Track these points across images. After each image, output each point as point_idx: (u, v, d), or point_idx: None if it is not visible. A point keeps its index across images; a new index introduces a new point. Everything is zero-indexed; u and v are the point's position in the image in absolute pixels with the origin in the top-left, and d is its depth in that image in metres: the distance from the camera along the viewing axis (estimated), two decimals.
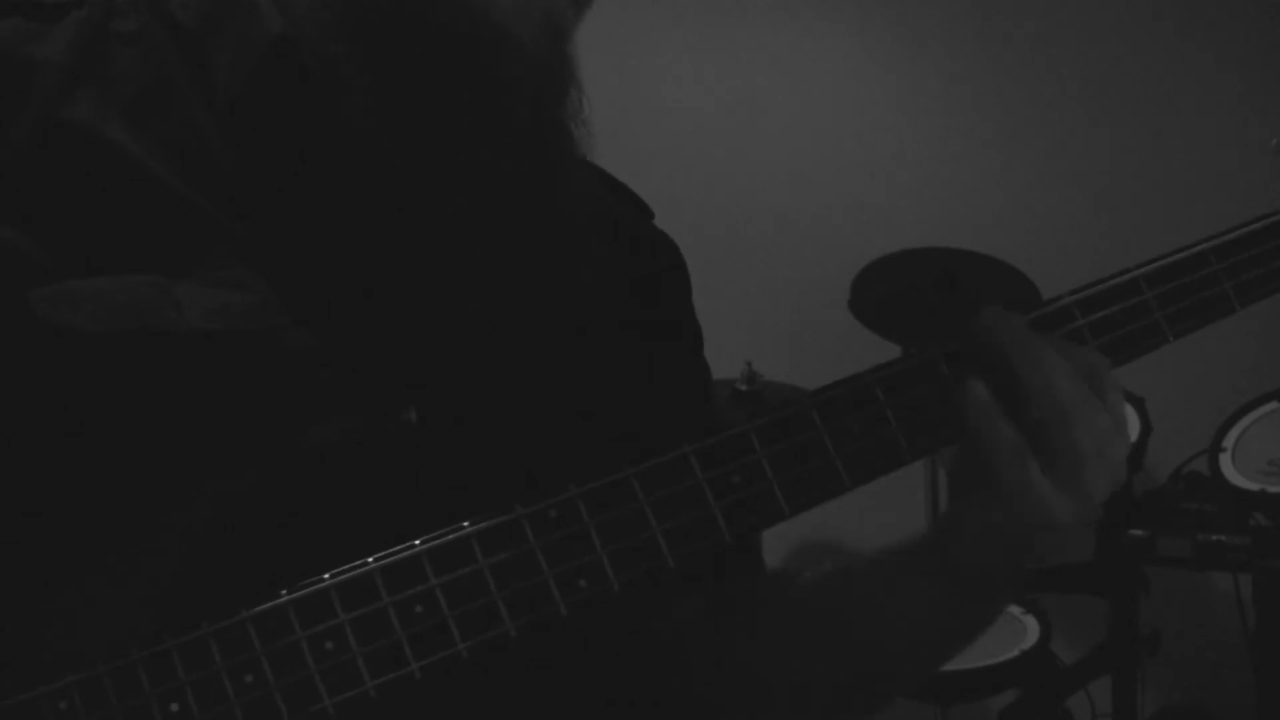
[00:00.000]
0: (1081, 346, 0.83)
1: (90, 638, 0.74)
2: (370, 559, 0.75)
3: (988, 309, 0.82)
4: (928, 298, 2.91)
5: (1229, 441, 2.64)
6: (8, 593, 0.76)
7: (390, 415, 0.82)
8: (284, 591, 0.74)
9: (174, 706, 0.72)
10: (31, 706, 0.71)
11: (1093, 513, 0.82)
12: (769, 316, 3.30)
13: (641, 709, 0.90)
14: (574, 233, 0.91)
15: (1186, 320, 0.87)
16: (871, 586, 0.89)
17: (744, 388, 2.82)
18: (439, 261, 0.85)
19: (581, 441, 0.87)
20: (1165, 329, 0.87)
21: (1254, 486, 2.53)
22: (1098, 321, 0.86)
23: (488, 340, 0.87)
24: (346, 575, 0.75)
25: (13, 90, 0.80)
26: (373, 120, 0.82)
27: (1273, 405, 2.67)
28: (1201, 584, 3.17)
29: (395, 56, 0.81)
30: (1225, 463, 2.61)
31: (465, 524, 0.77)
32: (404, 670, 0.75)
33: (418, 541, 0.76)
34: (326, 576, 0.75)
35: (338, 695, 0.74)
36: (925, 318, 2.91)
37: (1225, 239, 0.88)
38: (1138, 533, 2.62)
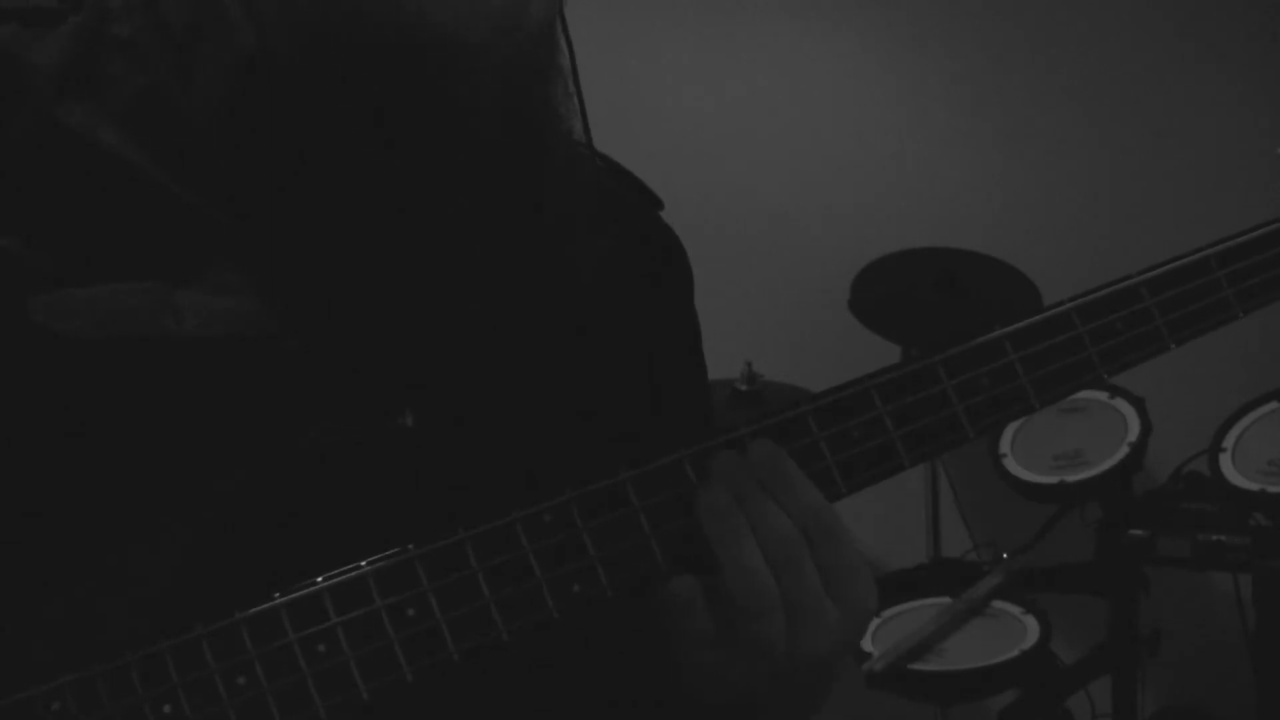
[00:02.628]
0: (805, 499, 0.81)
1: (87, 639, 0.74)
2: (364, 562, 0.75)
3: (721, 456, 0.81)
4: (928, 298, 2.91)
5: (1229, 441, 2.63)
6: (5, 593, 0.76)
7: (388, 418, 0.82)
8: (277, 594, 0.74)
9: (167, 708, 0.72)
10: (25, 707, 0.72)
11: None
12: (769, 316, 3.30)
13: (644, 709, 0.90)
14: (573, 231, 0.91)
15: (1188, 327, 0.86)
16: None
17: (744, 388, 2.82)
18: (438, 262, 0.85)
19: (581, 442, 0.87)
20: (1166, 336, 0.86)
21: (1254, 486, 2.53)
22: (1097, 329, 0.85)
23: (487, 340, 0.87)
24: (339, 578, 0.75)
25: (9, 94, 0.81)
26: (351, 126, 0.82)
27: (1273, 405, 2.67)
28: (1201, 584, 3.17)
29: (349, 67, 0.80)
30: (1225, 463, 2.60)
31: (459, 529, 0.77)
32: (396, 674, 0.75)
33: (410, 545, 0.76)
34: (320, 579, 0.75)
35: (330, 698, 0.74)
36: (925, 318, 2.91)
37: (1228, 245, 0.88)
38: (1138, 533, 2.62)
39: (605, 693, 0.90)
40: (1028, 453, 2.77)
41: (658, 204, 1.03)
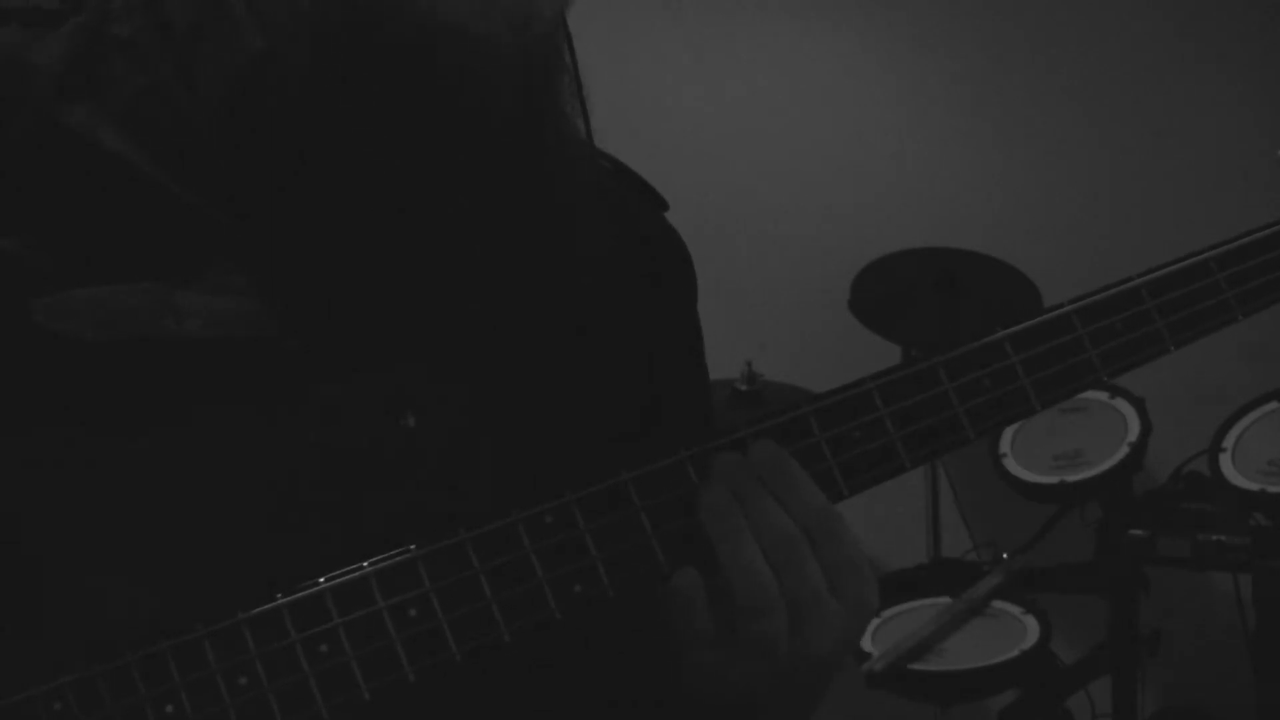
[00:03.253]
0: (805, 498, 0.81)
1: (87, 639, 0.73)
2: (366, 563, 0.75)
3: (723, 458, 0.81)
4: (928, 298, 2.91)
5: (1229, 441, 2.64)
6: (5, 593, 0.76)
7: (389, 418, 0.82)
8: (279, 595, 0.74)
9: (169, 708, 0.72)
10: (26, 707, 0.72)
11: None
12: (769, 316, 3.30)
13: (644, 709, 0.91)
14: (574, 232, 0.91)
15: (1189, 329, 0.87)
16: None
17: (744, 388, 2.82)
18: (438, 262, 0.85)
19: (581, 442, 0.87)
20: (1166, 338, 0.86)
21: (1254, 486, 2.53)
22: (1098, 330, 0.86)
23: (487, 341, 0.87)
24: (341, 579, 0.75)
25: (10, 94, 0.80)
26: (354, 125, 0.81)
27: (1273, 405, 2.67)
28: (1201, 584, 3.17)
29: (354, 66, 0.80)
30: (1225, 463, 2.61)
31: (461, 529, 0.77)
32: (398, 674, 0.75)
33: (412, 546, 0.76)
34: (322, 580, 0.75)
35: (332, 698, 0.74)
36: (925, 318, 2.91)
37: (1228, 247, 0.88)
38: (1138, 533, 2.62)
39: (605, 693, 0.90)
40: (1028, 453, 2.78)
41: (662, 204, 1.03)
